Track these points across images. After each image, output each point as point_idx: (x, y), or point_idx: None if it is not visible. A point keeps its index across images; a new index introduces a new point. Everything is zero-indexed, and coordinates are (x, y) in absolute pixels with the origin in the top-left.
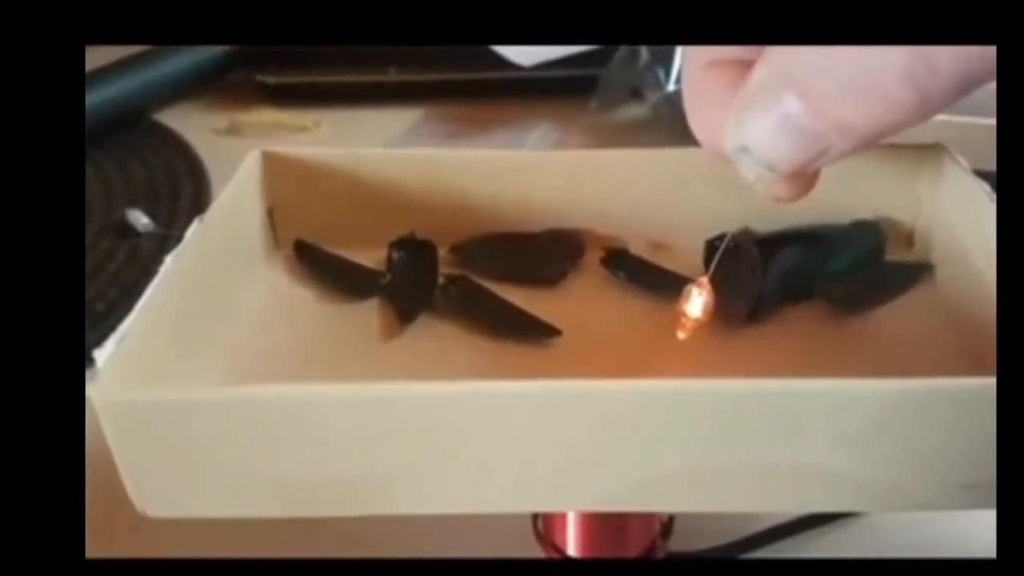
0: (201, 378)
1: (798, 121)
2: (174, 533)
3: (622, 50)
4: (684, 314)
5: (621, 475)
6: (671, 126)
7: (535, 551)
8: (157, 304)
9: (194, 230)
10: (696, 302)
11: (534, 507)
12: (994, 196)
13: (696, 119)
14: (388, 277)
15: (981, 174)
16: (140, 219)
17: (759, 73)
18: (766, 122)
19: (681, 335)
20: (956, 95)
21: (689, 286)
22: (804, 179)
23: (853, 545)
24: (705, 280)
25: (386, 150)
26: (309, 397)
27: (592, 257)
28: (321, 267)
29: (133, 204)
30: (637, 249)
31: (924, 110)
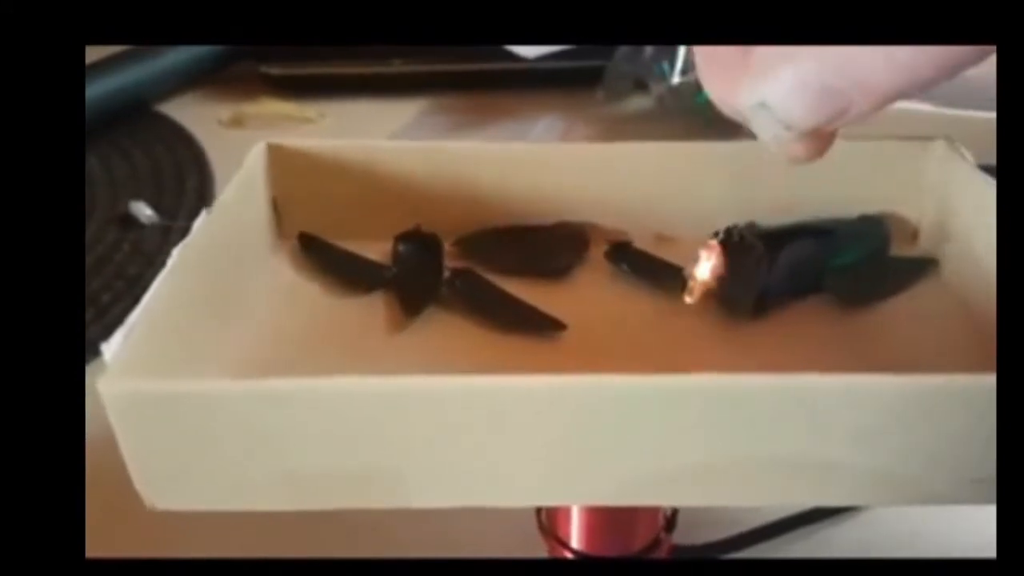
0: (208, 370)
1: (820, 78)
2: (174, 533)
3: None
4: (692, 277)
5: (631, 469)
6: (676, 117)
7: (538, 545)
8: (164, 296)
9: (201, 222)
10: (704, 265)
11: (543, 501)
12: None
13: (709, 75)
14: (394, 270)
15: (983, 168)
16: (144, 211)
17: None
18: (787, 78)
19: (688, 299)
20: (983, 54)
21: (698, 249)
22: (821, 139)
23: (855, 539)
24: (714, 243)
25: (391, 142)
26: (319, 389)
27: (597, 250)
28: (327, 260)
29: (137, 196)
30: (642, 242)
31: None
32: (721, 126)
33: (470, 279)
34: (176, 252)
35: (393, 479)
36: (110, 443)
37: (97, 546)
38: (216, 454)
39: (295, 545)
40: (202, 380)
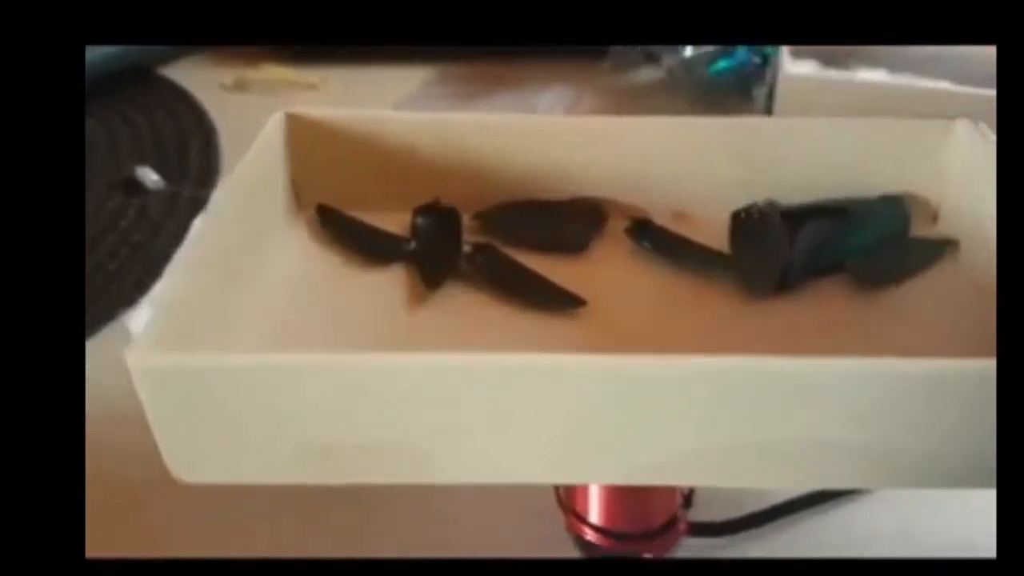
0: (232, 343)
1: None
2: (175, 533)
3: None
4: None
5: (646, 450)
6: (686, 90)
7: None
8: (186, 269)
9: (220, 193)
10: None
11: (562, 479)
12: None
13: None
14: (413, 244)
15: None
16: (149, 176)
17: None
18: None
19: None
20: None
21: None
22: None
23: (860, 521)
24: None
25: (410, 113)
26: (344, 364)
27: (615, 226)
28: (344, 232)
29: (141, 161)
30: (659, 219)
31: None
32: (731, 99)
33: (490, 254)
34: (197, 223)
35: (416, 455)
36: (109, 443)
37: (97, 546)
38: (243, 427)
39: (295, 546)
40: (230, 354)
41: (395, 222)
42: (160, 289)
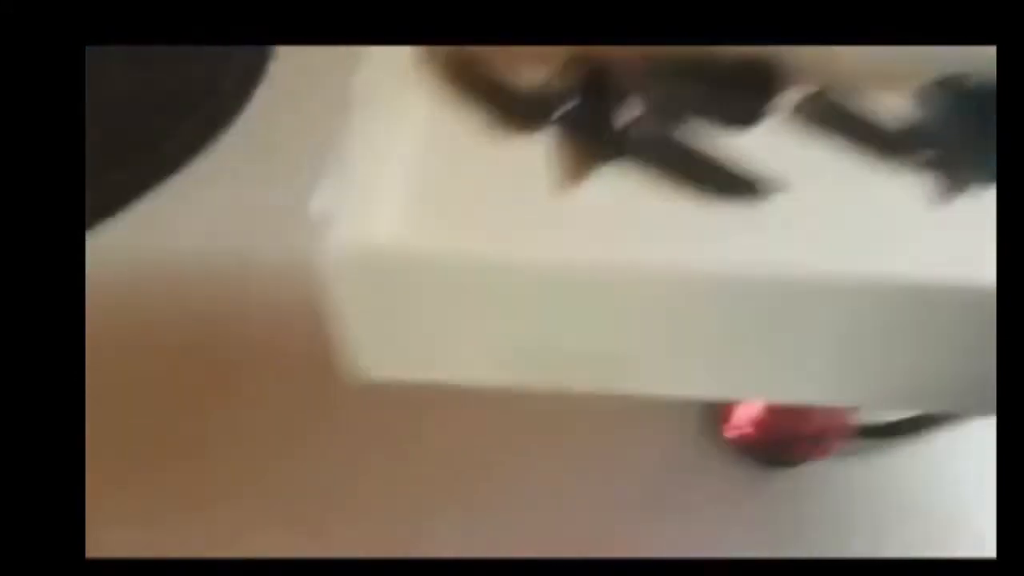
0: (391, 222)
1: None
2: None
3: None
4: None
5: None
6: None
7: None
8: (357, 141)
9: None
10: None
11: (754, 395)
12: None
13: None
14: (565, 108)
15: None
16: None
17: None
18: None
19: None
20: None
21: None
22: None
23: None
24: None
25: None
26: (545, 266)
27: (788, 95)
28: (481, 90)
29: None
30: (837, 90)
31: None
32: None
33: (655, 127)
34: (357, 90)
35: (619, 362)
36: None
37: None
38: (435, 323)
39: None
40: (430, 246)
41: (538, 79)
42: (339, 166)
